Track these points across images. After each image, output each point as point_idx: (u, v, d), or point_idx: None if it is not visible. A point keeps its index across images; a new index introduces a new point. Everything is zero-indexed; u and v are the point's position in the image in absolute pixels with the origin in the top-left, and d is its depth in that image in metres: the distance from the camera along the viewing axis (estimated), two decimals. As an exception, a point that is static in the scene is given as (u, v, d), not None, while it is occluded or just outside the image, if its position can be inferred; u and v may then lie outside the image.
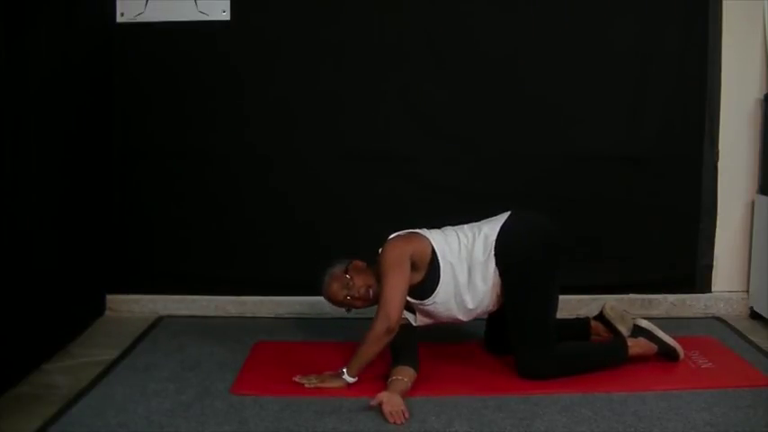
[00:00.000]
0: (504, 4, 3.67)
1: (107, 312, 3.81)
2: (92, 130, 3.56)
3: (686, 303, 3.80)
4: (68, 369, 3.06)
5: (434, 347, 3.11)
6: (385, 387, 2.66)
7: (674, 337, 3.06)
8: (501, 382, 2.87)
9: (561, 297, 2.98)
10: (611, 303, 3.29)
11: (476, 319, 3.02)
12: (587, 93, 3.69)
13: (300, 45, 3.67)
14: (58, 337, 3.26)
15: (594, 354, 3.02)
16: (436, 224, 3.02)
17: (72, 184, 3.36)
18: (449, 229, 2.98)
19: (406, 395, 2.65)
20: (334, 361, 2.94)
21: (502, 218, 2.96)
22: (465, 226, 3.00)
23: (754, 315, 3.70)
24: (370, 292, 2.88)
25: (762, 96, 3.69)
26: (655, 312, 3.72)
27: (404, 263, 2.81)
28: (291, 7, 3.67)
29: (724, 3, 3.64)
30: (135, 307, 3.82)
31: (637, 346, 3.01)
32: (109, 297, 3.82)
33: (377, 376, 2.80)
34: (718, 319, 3.71)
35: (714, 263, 3.80)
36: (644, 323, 3.08)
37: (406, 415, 2.54)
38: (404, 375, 2.71)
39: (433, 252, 2.87)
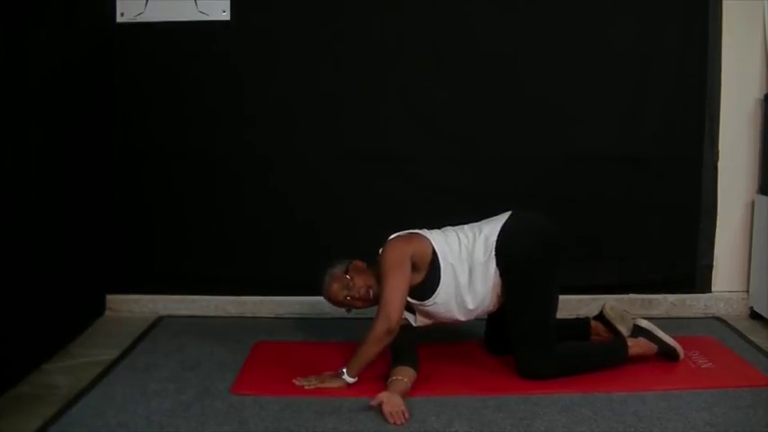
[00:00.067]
0: (504, 4, 3.67)
1: (107, 312, 3.81)
2: (92, 130, 3.55)
3: (686, 303, 3.80)
4: (68, 369, 3.06)
5: (434, 347, 3.10)
6: (385, 387, 2.66)
7: (674, 337, 3.06)
8: (501, 382, 2.87)
9: (561, 297, 2.98)
10: (611, 303, 3.29)
11: (476, 319, 3.02)
12: (587, 93, 3.69)
13: (300, 45, 3.67)
14: (58, 337, 3.26)
15: (594, 354, 3.02)
16: (436, 224, 3.02)
17: (72, 184, 3.36)
18: (449, 230, 2.98)
19: (406, 395, 2.65)
20: (335, 361, 2.93)
21: (502, 218, 2.96)
22: (465, 226, 2.99)
23: (754, 315, 3.70)
24: (371, 292, 2.88)
25: (762, 96, 3.69)
26: (655, 312, 3.72)
27: (404, 263, 2.81)
28: (291, 7, 3.67)
29: (724, 3, 3.64)
30: (135, 307, 3.82)
31: (637, 346, 3.01)
32: (109, 297, 3.82)
33: (377, 376, 2.80)
34: (718, 319, 3.71)
35: (714, 263, 3.80)
36: (644, 323, 3.08)
37: (407, 415, 2.54)
38: (404, 375, 2.71)
39: (434, 253, 2.87)
